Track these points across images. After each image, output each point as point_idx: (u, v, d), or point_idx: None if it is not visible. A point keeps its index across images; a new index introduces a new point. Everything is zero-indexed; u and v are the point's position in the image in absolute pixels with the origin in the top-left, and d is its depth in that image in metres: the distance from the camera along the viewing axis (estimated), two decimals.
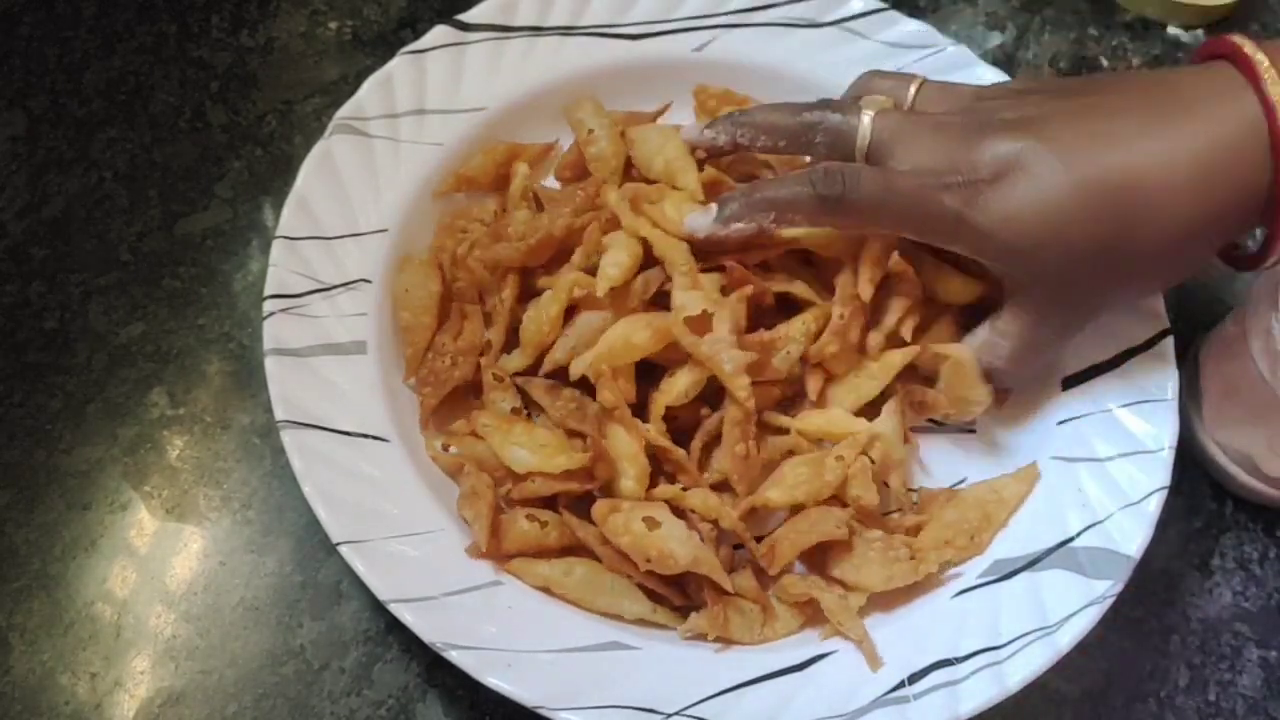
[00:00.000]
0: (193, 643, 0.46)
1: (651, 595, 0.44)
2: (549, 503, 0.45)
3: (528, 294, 0.49)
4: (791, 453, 0.47)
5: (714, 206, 0.45)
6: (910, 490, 0.48)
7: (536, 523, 0.44)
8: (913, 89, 0.47)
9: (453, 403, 0.48)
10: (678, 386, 0.45)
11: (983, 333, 0.46)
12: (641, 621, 0.43)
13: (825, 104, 0.47)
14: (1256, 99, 0.39)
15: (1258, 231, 0.43)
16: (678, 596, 0.43)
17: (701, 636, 0.43)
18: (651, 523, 0.42)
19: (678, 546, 0.42)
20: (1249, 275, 0.45)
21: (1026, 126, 0.42)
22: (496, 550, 0.43)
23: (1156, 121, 0.41)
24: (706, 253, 0.46)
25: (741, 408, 0.44)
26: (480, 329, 0.48)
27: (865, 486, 0.45)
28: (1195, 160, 0.40)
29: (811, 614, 0.44)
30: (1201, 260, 0.44)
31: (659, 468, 0.45)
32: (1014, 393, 0.49)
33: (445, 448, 0.47)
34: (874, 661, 0.42)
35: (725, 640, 0.43)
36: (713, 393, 0.46)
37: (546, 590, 0.43)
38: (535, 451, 0.44)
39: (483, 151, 0.53)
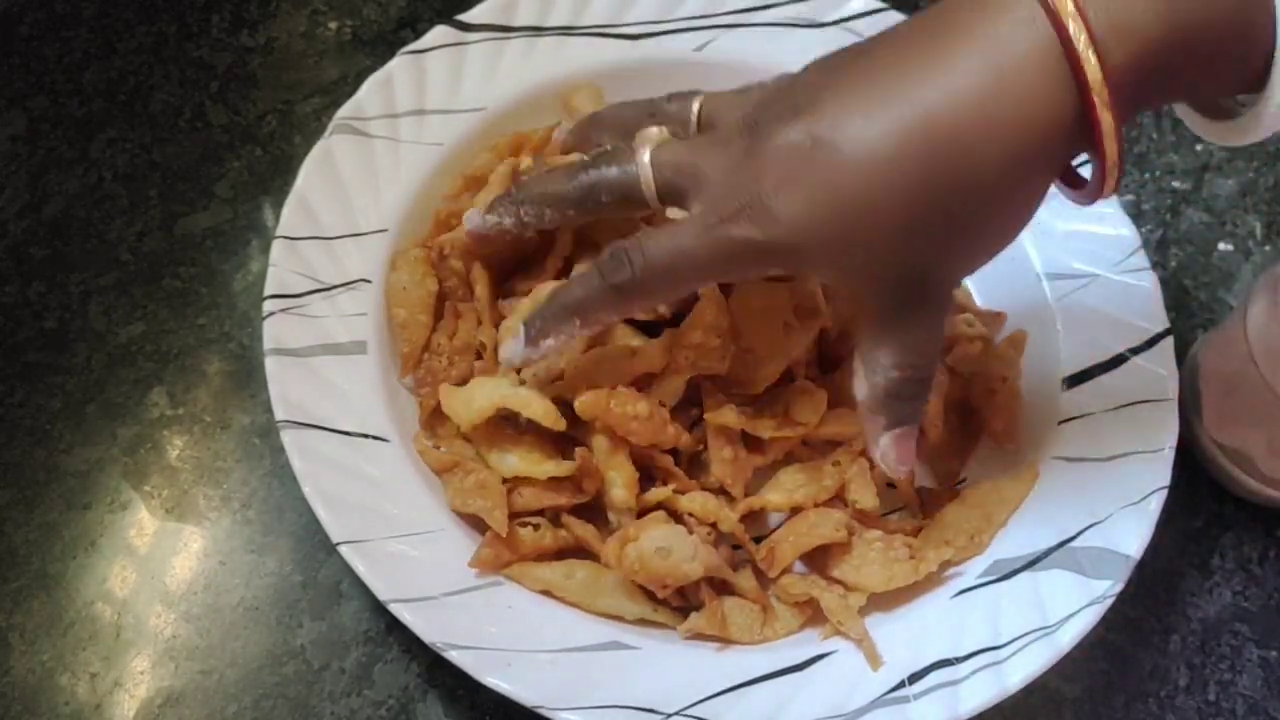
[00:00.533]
0: (193, 643, 0.46)
1: (651, 596, 0.44)
2: (537, 515, 0.45)
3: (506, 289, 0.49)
4: (791, 455, 0.47)
5: (522, 329, 0.43)
6: (917, 489, 0.47)
7: (530, 527, 0.44)
8: (695, 106, 0.43)
9: None
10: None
11: (857, 363, 0.41)
12: (642, 621, 0.43)
13: (600, 157, 0.42)
14: (1036, 5, 0.35)
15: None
16: (676, 598, 0.44)
17: (701, 636, 0.43)
18: (663, 552, 0.42)
19: (690, 565, 0.42)
20: (1249, 276, 0.45)
21: (796, 114, 0.37)
22: (510, 546, 0.43)
23: (937, 58, 0.36)
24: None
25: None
26: (474, 327, 0.48)
27: (863, 490, 0.45)
28: (980, 88, 0.35)
29: (812, 613, 0.44)
30: (1036, 193, 0.38)
31: (648, 475, 0.45)
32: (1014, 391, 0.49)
33: (436, 448, 0.47)
34: (874, 661, 0.42)
35: (725, 640, 0.43)
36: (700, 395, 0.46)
37: (547, 593, 0.43)
38: (522, 457, 0.44)
39: (486, 149, 0.53)
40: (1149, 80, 0.35)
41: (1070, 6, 0.34)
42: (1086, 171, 0.39)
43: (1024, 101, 0.35)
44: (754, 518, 0.46)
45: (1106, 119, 0.35)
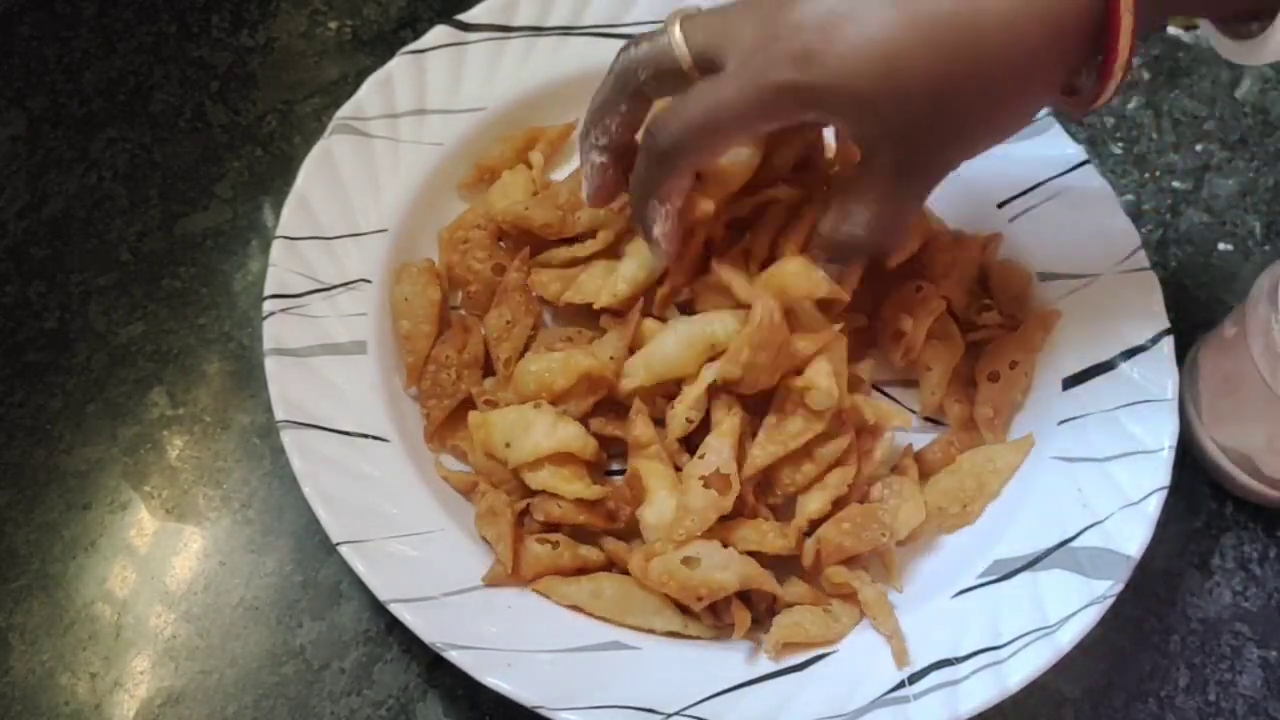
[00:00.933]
0: (193, 643, 0.46)
1: (683, 609, 0.43)
2: (556, 530, 0.45)
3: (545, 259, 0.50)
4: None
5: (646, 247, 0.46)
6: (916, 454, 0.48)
7: (549, 544, 0.44)
8: None
9: (455, 413, 0.47)
10: (678, 420, 0.45)
11: (837, 204, 0.43)
12: (673, 634, 0.43)
13: (629, 43, 0.44)
14: None
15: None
16: (708, 615, 0.43)
17: (788, 647, 0.42)
18: (691, 561, 0.42)
19: (722, 574, 0.42)
20: (1249, 276, 0.45)
21: None
22: (516, 573, 0.43)
23: None
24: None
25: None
26: (482, 342, 0.48)
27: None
28: None
29: (859, 604, 0.44)
30: (1052, 81, 0.41)
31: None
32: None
33: (459, 452, 0.47)
34: (901, 657, 0.42)
35: (808, 644, 0.43)
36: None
37: (577, 609, 0.43)
38: (553, 473, 0.44)
39: (500, 139, 0.53)
40: None
41: None
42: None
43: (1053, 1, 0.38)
44: (786, 511, 0.45)
45: (1127, 20, 0.38)
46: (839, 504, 0.45)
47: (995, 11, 0.38)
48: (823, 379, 0.43)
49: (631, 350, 0.47)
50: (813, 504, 0.44)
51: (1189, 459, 0.50)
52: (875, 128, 0.41)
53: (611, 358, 0.46)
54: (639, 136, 0.43)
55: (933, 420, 0.50)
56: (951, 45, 0.38)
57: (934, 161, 0.42)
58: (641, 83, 0.43)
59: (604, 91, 0.45)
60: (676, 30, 0.42)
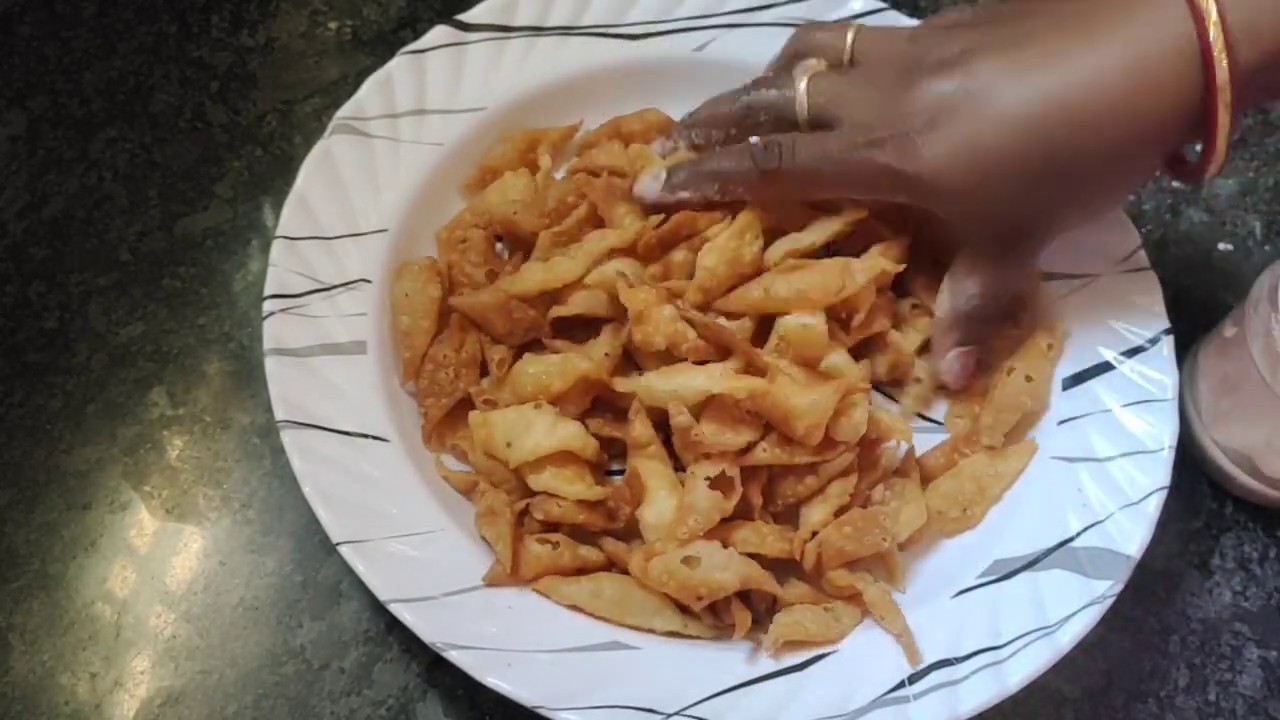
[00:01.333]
0: (193, 643, 0.46)
1: (683, 609, 0.43)
2: (555, 530, 0.45)
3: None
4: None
5: (663, 172, 0.48)
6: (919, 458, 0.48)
7: (548, 544, 0.44)
8: (849, 38, 0.47)
9: (453, 412, 0.48)
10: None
11: (945, 286, 0.47)
12: (672, 634, 0.43)
13: (761, 82, 0.48)
14: (1184, 4, 0.38)
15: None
16: (708, 615, 0.43)
17: (788, 645, 0.42)
18: (691, 561, 0.42)
19: (722, 574, 0.42)
20: (1249, 275, 0.45)
21: (952, 67, 0.42)
22: (516, 573, 0.43)
23: (1082, 39, 0.40)
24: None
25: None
26: (478, 342, 0.48)
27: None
28: (1123, 74, 0.39)
29: (863, 604, 0.44)
30: (1146, 173, 0.43)
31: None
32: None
33: (459, 452, 0.47)
34: (913, 656, 0.42)
35: (808, 643, 0.43)
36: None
37: (577, 609, 0.43)
38: (554, 474, 0.44)
39: (501, 139, 0.53)
40: (1265, 80, 0.39)
41: (1214, 13, 0.38)
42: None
43: (1155, 92, 0.39)
44: (787, 516, 0.45)
45: (1224, 118, 0.39)
46: (840, 511, 0.45)
47: (1090, 117, 0.39)
48: (859, 413, 0.44)
49: (626, 351, 0.47)
50: (816, 515, 0.44)
51: (1189, 459, 0.50)
52: (969, 217, 0.43)
53: (606, 354, 0.46)
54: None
55: (933, 420, 0.50)
56: (1044, 143, 0.40)
57: (1031, 237, 0.45)
58: (760, 122, 0.47)
59: (724, 107, 0.48)
60: (803, 87, 0.45)
